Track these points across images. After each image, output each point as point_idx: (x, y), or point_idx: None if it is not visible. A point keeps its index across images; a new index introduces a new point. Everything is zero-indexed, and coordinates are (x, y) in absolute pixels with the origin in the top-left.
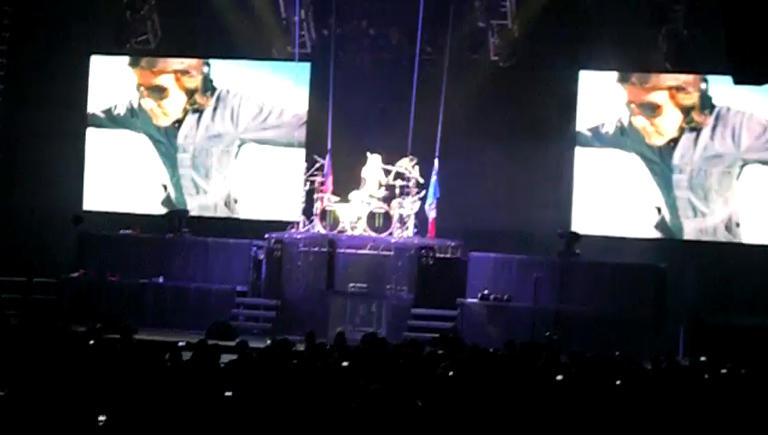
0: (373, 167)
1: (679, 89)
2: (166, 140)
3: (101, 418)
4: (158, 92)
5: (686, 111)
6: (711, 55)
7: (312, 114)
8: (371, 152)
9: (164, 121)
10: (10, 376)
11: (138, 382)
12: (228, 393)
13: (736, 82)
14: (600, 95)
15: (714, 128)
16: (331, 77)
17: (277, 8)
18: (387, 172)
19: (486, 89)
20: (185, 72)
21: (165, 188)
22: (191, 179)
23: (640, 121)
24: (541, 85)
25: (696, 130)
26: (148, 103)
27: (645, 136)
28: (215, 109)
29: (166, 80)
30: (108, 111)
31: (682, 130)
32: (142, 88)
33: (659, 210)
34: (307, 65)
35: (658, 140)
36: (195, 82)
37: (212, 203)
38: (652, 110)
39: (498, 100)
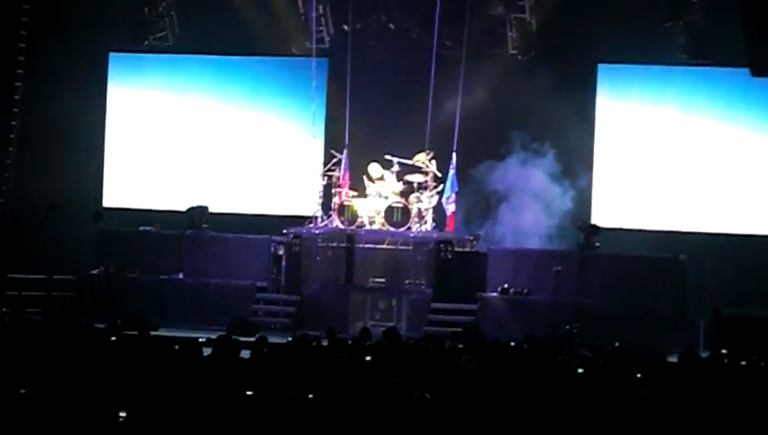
0: (376, 176)
1: None
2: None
3: (122, 414)
4: None
5: None
6: (729, 48)
7: (330, 109)
8: (376, 162)
9: None
10: (32, 373)
11: (158, 378)
12: (249, 393)
13: (754, 74)
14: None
15: None
16: (349, 72)
17: (295, 4)
18: (406, 169)
19: (505, 82)
20: None
21: None
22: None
23: None
24: (559, 78)
25: None
26: None
27: None
28: None
29: None
30: None
31: None
32: None
33: None
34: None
35: None
36: None
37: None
38: None
39: (517, 93)
